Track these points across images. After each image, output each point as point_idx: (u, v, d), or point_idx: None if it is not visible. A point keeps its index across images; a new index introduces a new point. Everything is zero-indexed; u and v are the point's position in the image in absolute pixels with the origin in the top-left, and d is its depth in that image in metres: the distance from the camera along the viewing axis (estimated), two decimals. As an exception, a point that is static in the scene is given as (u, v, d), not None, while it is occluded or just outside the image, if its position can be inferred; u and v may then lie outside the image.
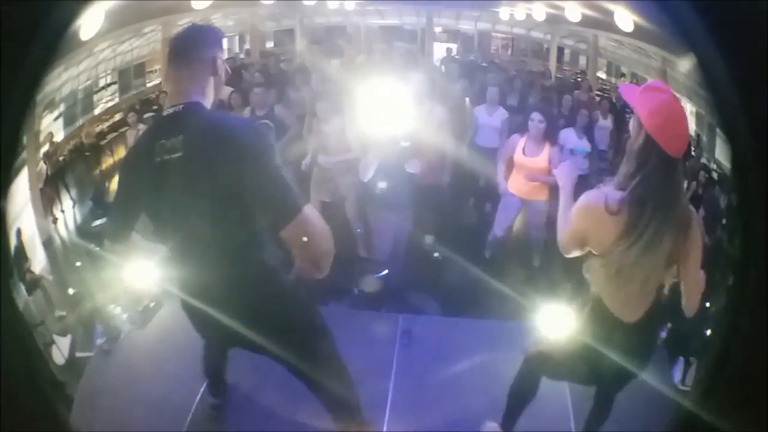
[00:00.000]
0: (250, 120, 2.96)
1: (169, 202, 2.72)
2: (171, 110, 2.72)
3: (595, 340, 3.12)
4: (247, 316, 2.82)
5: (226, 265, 2.78)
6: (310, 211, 2.74)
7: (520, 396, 3.69)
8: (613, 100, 6.98)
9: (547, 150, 5.41)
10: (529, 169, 5.42)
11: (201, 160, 2.59)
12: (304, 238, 2.72)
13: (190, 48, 2.82)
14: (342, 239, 6.08)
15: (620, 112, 6.56)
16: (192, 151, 2.60)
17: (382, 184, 5.91)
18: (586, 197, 2.86)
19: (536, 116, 5.41)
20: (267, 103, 6.32)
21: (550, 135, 5.44)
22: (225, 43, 3.05)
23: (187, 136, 2.61)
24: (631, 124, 2.76)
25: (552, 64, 8.88)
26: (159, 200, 2.73)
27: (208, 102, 2.82)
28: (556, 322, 3.56)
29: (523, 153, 5.46)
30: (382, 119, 5.20)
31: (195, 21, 2.87)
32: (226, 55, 2.96)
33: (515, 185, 5.60)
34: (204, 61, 2.80)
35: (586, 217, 2.83)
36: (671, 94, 2.65)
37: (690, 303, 3.03)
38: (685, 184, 5.94)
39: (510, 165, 5.63)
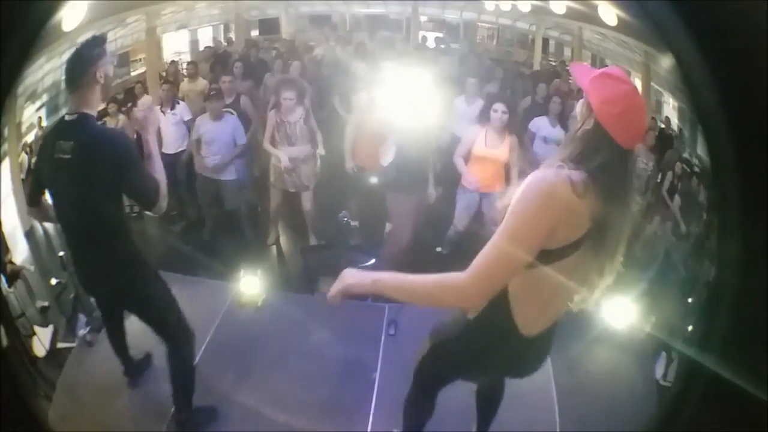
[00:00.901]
0: (121, 132, 4.25)
1: (59, 192, 3.41)
2: (69, 118, 3.34)
3: (484, 346, 2.84)
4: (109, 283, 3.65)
5: (94, 243, 3.49)
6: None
7: (418, 414, 3.53)
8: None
9: (507, 141, 5.37)
10: (489, 161, 5.42)
11: (84, 163, 3.25)
12: None
13: (74, 75, 3.35)
14: (329, 228, 6.15)
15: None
16: (78, 156, 3.25)
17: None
18: (545, 181, 2.34)
19: (500, 107, 5.33)
20: (235, 91, 6.41)
21: (512, 126, 5.41)
22: (106, 50, 3.46)
23: (76, 143, 3.26)
24: (579, 107, 2.53)
25: (537, 54, 8.89)
26: (53, 188, 3.43)
27: (94, 110, 3.41)
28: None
29: (485, 145, 5.42)
30: (403, 105, 5.40)
31: (80, 43, 3.34)
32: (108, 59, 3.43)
33: (474, 178, 5.54)
34: (87, 81, 3.33)
35: (552, 203, 2.31)
36: (632, 86, 2.47)
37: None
38: (660, 175, 6.01)
39: (467, 157, 5.60)
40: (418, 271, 2.35)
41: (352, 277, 2.55)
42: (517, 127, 5.52)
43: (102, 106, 3.68)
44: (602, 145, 2.37)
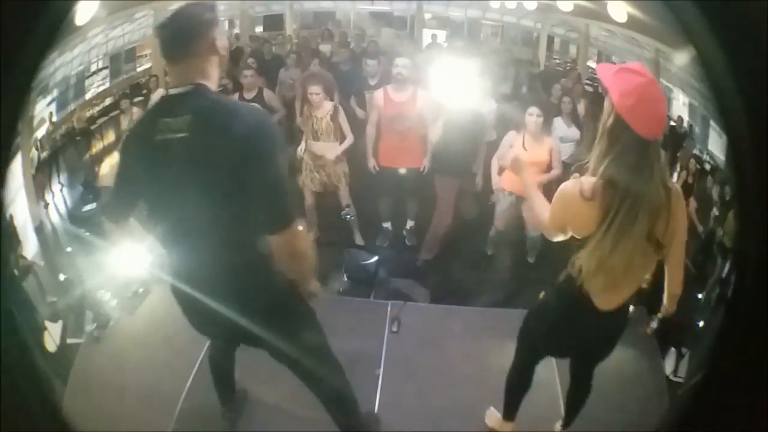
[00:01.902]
0: (259, 110, 2.73)
1: (168, 182, 2.62)
2: (177, 90, 2.62)
3: (567, 321, 3.10)
4: (239, 304, 2.74)
5: (219, 250, 2.68)
6: (300, 229, 2.66)
7: (515, 385, 3.66)
8: (600, 90, 6.97)
9: (547, 143, 5.31)
10: (531, 163, 5.29)
11: (207, 142, 2.52)
12: (288, 253, 2.71)
13: (186, 39, 2.64)
14: (333, 226, 6.13)
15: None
16: (198, 132, 2.52)
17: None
18: (563, 186, 2.81)
19: (534, 110, 5.24)
20: (256, 86, 6.32)
21: (547, 128, 5.36)
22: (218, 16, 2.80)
23: (195, 117, 2.53)
24: (605, 104, 2.68)
25: (542, 52, 8.89)
26: (157, 179, 2.64)
27: (213, 84, 2.72)
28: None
29: (524, 148, 5.30)
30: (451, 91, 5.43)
31: (182, 4, 2.66)
32: (224, 27, 2.83)
33: (514, 183, 5.33)
34: (203, 48, 2.65)
35: (563, 205, 2.79)
36: (648, 78, 2.56)
37: (672, 290, 3.01)
38: (676, 174, 6.01)
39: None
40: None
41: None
42: (550, 127, 5.47)
43: (217, 80, 2.74)
44: (622, 136, 2.54)
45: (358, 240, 6.18)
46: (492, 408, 3.89)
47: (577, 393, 3.67)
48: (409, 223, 6.36)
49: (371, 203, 6.32)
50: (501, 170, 5.47)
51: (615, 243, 2.66)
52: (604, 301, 2.93)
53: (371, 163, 6.01)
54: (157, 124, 2.56)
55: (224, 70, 2.80)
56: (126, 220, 2.82)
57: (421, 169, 5.96)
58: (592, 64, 8.32)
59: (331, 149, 5.76)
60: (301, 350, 3.01)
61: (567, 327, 3.12)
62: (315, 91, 5.56)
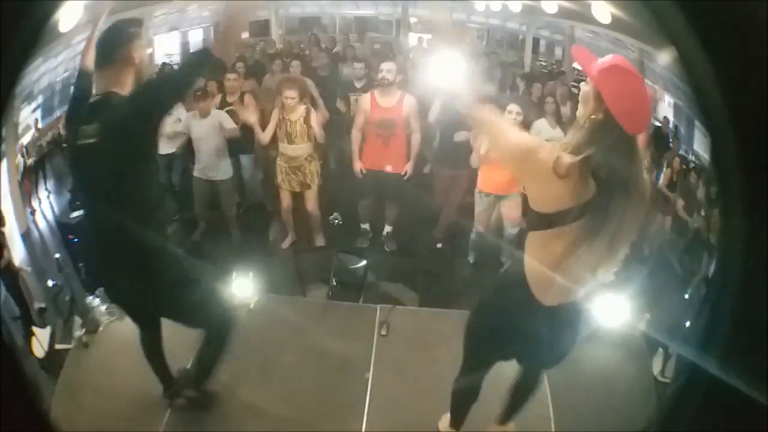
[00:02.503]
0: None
1: (84, 180, 3.24)
2: (92, 99, 3.11)
3: (510, 316, 3.00)
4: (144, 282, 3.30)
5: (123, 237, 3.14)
6: None
7: (464, 397, 3.63)
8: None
9: None
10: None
11: (111, 147, 2.98)
12: None
13: (109, 49, 3.15)
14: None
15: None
16: (104, 138, 2.98)
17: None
18: (534, 141, 2.72)
19: (513, 107, 5.23)
20: (239, 90, 6.33)
21: (526, 128, 5.28)
22: (144, 33, 3.34)
23: (101, 125, 2.99)
24: (584, 91, 2.65)
25: (527, 55, 8.90)
26: (78, 177, 3.29)
27: (126, 91, 3.13)
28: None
29: None
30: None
31: (117, 19, 3.21)
32: (144, 43, 3.24)
33: (490, 182, 5.53)
34: (122, 58, 3.13)
35: (525, 158, 2.67)
36: (639, 77, 2.63)
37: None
38: (662, 174, 6.03)
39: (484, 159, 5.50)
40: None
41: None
42: (529, 128, 5.48)
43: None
44: (610, 132, 2.52)
45: (319, 241, 6.25)
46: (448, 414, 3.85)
47: (525, 390, 3.65)
48: (387, 228, 6.36)
49: (350, 205, 6.36)
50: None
51: (581, 233, 2.64)
52: (548, 295, 2.88)
53: (357, 166, 6.01)
54: (78, 131, 3.05)
55: (141, 79, 3.23)
56: None
57: (402, 174, 5.99)
58: (577, 65, 8.34)
59: (304, 150, 5.86)
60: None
61: (511, 324, 3.03)
62: (290, 95, 5.64)
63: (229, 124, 5.89)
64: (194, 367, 3.89)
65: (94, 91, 3.17)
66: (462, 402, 3.64)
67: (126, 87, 3.15)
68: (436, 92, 5.72)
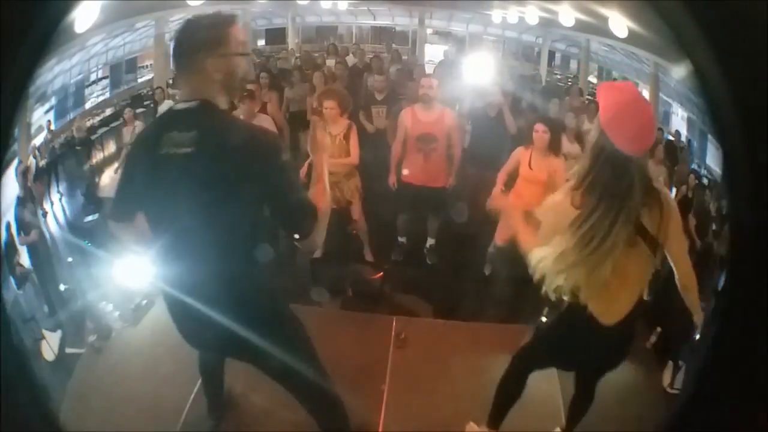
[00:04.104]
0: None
1: (169, 195, 2.63)
2: (184, 105, 2.65)
3: (572, 340, 3.15)
4: (231, 313, 2.73)
5: (217, 261, 2.69)
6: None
7: (508, 394, 3.67)
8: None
9: (552, 162, 5.23)
10: (534, 182, 5.28)
11: (211, 159, 2.56)
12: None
13: (196, 49, 2.65)
14: (339, 242, 6.10)
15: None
16: (203, 149, 2.54)
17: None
18: (554, 198, 2.89)
19: (540, 127, 5.20)
20: (260, 101, 6.24)
21: (554, 146, 5.28)
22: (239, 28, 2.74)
23: (201, 134, 2.56)
24: (594, 121, 2.75)
25: (543, 67, 8.89)
26: (158, 192, 2.66)
27: (222, 101, 2.72)
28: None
29: (529, 166, 5.29)
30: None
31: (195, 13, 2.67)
32: (242, 38, 2.74)
33: (521, 197, 5.24)
34: (216, 59, 2.64)
35: (556, 214, 2.83)
36: (632, 95, 2.70)
37: (684, 282, 3.04)
38: (675, 189, 6.01)
39: (513, 177, 5.44)
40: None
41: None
42: (559, 145, 5.41)
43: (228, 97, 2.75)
44: (605, 149, 2.62)
45: (368, 256, 6.09)
46: (472, 423, 3.87)
47: (581, 403, 3.72)
48: (430, 242, 6.28)
49: (387, 219, 6.27)
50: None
51: (597, 250, 2.71)
52: (606, 315, 2.95)
53: (392, 179, 5.97)
54: (162, 138, 2.58)
55: (234, 88, 2.77)
56: (131, 220, 2.82)
57: (447, 188, 5.98)
58: (593, 79, 8.33)
59: (343, 167, 5.72)
60: (291, 362, 2.95)
61: (572, 345, 3.16)
62: (330, 105, 5.52)
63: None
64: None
65: (178, 97, 2.78)
66: (508, 400, 3.67)
67: (222, 96, 2.73)
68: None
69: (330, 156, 5.23)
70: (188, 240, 2.65)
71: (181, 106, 2.65)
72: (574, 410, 3.77)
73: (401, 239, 6.29)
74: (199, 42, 2.62)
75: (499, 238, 5.50)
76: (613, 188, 2.63)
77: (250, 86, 5.87)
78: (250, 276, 2.82)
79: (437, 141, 5.78)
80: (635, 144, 2.62)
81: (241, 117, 5.16)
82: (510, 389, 3.63)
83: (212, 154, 2.56)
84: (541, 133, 5.14)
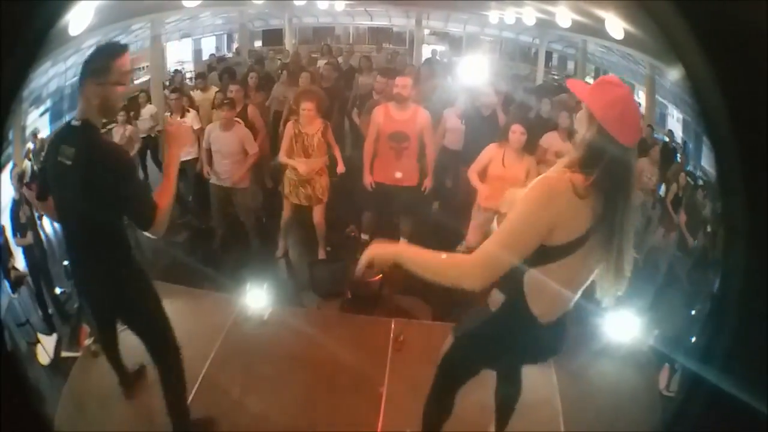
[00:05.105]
0: (121, 148, 3.63)
1: (60, 192, 3.34)
2: (74, 123, 3.18)
3: (507, 334, 2.97)
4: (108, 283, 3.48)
5: (92, 247, 3.38)
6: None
7: (437, 414, 3.56)
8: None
9: (525, 162, 5.31)
10: (506, 181, 5.24)
11: (83, 171, 3.12)
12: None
13: (84, 76, 3.11)
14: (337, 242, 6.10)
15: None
16: (78, 163, 3.12)
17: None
18: (547, 184, 2.60)
19: (518, 128, 5.25)
20: (242, 101, 6.34)
21: (530, 147, 5.35)
22: (124, 58, 3.19)
23: (78, 151, 3.13)
24: (579, 117, 2.68)
25: (540, 68, 8.90)
26: (54, 188, 3.36)
27: (98, 122, 3.22)
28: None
29: (503, 165, 5.35)
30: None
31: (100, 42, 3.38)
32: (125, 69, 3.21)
33: (490, 197, 5.29)
34: (95, 86, 3.09)
35: (552, 203, 2.56)
36: (626, 89, 2.63)
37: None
38: (663, 187, 6.02)
39: (482, 175, 5.51)
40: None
41: (377, 248, 2.72)
42: (534, 146, 5.46)
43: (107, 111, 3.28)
44: (606, 147, 2.52)
45: (321, 255, 6.18)
46: None
47: (512, 394, 3.66)
48: (402, 242, 6.22)
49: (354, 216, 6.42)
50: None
51: (591, 250, 2.64)
52: (547, 314, 2.86)
53: (368, 179, 5.95)
54: (59, 148, 3.18)
55: (116, 102, 3.28)
56: (46, 200, 3.48)
57: (422, 189, 5.98)
58: (589, 80, 8.32)
59: (318, 164, 5.82)
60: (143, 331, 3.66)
61: (511, 343, 3.03)
62: (308, 107, 5.58)
63: (252, 148, 5.92)
64: (167, 403, 3.83)
65: (75, 114, 3.27)
66: (438, 419, 3.58)
67: (100, 114, 3.23)
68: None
69: (306, 156, 5.31)
70: (74, 232, 3.45)
71: (73, 122, 3.19)
72: (507, 402, 3.70)
73: (364, 237, 6.30)
74: (85, 69, 3.11)
75: (472, 239, 5.54)
76: (622, 185, 2.57)
77: (231, 93, 6.04)
78: (116, 257, 3.44)
79: (409, 140, 5.78)
80: (635, 136, 2.61)
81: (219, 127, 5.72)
82: (439, 407, 3.53)
83: (84, 167, 3.12)
84: (518, 134, 5.20)
